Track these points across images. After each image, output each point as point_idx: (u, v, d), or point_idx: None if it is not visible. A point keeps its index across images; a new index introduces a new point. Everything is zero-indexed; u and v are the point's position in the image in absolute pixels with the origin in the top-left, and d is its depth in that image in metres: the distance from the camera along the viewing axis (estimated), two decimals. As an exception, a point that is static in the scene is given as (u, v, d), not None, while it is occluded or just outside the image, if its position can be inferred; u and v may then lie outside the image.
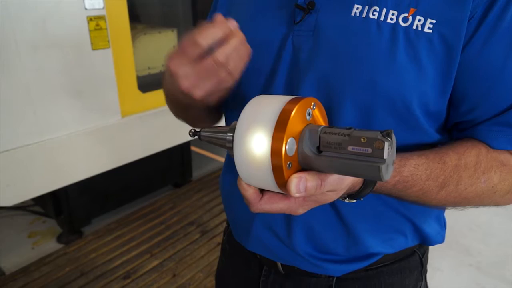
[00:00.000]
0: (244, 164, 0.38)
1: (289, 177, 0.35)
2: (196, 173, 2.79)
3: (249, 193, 0.40)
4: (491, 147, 0.50)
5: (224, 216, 2.30)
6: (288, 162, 0.35)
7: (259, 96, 0.41)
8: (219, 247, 2.14)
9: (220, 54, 0.44)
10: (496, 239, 2.19)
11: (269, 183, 0.37)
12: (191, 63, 0.45)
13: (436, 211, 0.64)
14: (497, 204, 0.53)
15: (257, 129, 0.36)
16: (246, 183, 0.40)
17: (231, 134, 0.40)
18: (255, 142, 0.36)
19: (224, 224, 2.24)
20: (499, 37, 0.45)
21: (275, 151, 0.35)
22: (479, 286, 1.88)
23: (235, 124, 0.39)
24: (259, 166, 0.36)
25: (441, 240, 0.65)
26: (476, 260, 2.04)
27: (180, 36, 2.29)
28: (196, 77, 0.46)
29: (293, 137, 0.36)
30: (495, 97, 0.48)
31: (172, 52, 0.46)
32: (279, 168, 0.35)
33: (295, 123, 0.36)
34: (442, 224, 0.67)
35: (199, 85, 0.46)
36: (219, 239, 2.10)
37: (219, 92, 0.49)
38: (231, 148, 0.39)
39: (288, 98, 0.38)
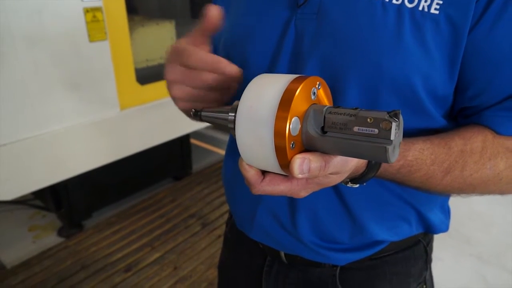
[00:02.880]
0: (245, 144, 0.37)
1: (292, 157, 0.35)
2: (196, 166, 2.78)
3: (251, 174, 0.39)
4: (498, 133, 0.49)
5: (224, 208, 2.30)
6: (292, 142, 0.34)
7: (262, 74, 0.40)
8: (220, 239, 2.15)
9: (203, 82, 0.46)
10: (497, 229, 2.19)
11: (272, 164, 0.36)
12: (183, 72, 0.47)
13: (440, 199, 0.63)
14: (502, 192, 0.52)
15: (260, 108, 0.35)
16: (247, 164, 0.39)
17: (233, 114, 0.39)
18: (257, 122, 0.35)
19: (225, 216, 2.24)
20: (507, 19, 0.44)
21: (278, 130, 0.34)
22: (480, 276, 1.88)
23: (237, 104, 0.38)
24: (261, 146, 0.36)
25: (445, 228, 0.64)
26: (477, 249, 2.04)
27: (178, 27, 2.27)
28: (189, 94, 0.48)
29: (297, 117, 0.35)
30: (502, 81, 0.47)
31: (168, 57, 0.48)
32: (282, 148, 0.34)
33: (300, 103, 0.35)
34: (446, 213, 0.66)
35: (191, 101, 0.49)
36: (220, 231, 2.10)
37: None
38: (233, 129, 0.38)
39: (292, 76, 0.37)
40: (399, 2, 0.45)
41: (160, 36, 2.22)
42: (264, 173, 0.39)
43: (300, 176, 0.34)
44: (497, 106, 0.49)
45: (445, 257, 1.97)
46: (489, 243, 2.09)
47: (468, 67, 0.47)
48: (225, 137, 3.10)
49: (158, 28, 2.20)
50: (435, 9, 0.44)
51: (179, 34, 2.27)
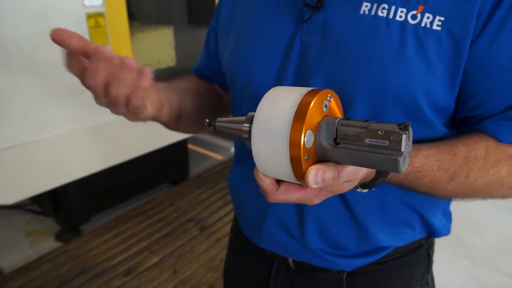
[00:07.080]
0: (261, 155, 0.38)
1: (307, 168, 0.36)
2: (193, 171, 2.79)
3: (266, 184, 0.40)
4: (499, 140, 0.51)
5: (222, 212, 2.31)
6: (306, 154, 0.36)
7: (276, 87, 0.41)
8: (219, 242, 2.15)
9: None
10: (491, 231, 2.22)
11: (287, 174, 0.38)
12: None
13: (442, 203, 0.65)
14: (504, 196, 0.54)
15: (275, 121, 0.37)
16: (263, 174, 0.40)
17: (248, 125, 0.40)
18: (273, 134, 0.37)
19: (223, 220, 2.25)
20: (507, 34, 0.46)
21: (293, 143, 0.35)
22: (475, 278, 1.91)
23: (252, 115, 0.39)
24: (277, 158, 0.37)
25: (447, 232, 0.66)
26: (472, 252, 2.06)
27: (176, 33, 2.28)
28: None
29: (311, 129, 0.36)
30: (502, 93, 0.49)
31: None
32: (297, 159, 0.36)
33: (313, 115, 0.36)
34: (448, 217, 0.68)
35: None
36: (219, 235, 2.11)
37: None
38: (248, 139, 0.40)
39: (305, 90, 0.38)
40: (402, 19, 0.47)
41: (159, 42, 2.23)
42: (278, 181, 0.41)
43: (314, 186, 0.36)
44: (498, 116, 0.50)
45: (440, 259, 1.98)
46: (483, 245, 2.11)
47: (470, 80, 0.49)
48: (222, 142, 3.10)
49: (157, 33, 2.22)
50: (437, 25, 0.46)
51: (177, 39, 2.28)
